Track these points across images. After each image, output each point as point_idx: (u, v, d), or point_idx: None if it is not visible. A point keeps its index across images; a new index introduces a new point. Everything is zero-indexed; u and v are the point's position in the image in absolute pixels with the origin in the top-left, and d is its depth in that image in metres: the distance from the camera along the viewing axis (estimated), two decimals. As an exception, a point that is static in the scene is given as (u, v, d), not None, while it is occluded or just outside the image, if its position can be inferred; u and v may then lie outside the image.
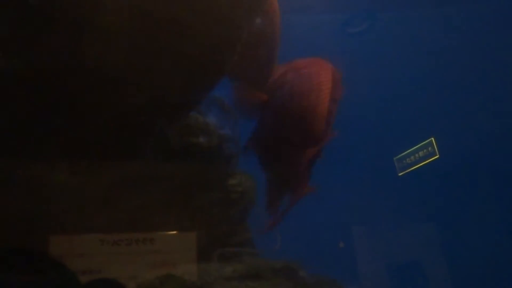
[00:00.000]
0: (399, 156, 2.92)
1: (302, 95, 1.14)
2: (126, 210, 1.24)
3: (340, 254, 2.85)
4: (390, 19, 3.05)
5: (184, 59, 0.91)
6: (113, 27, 0.86)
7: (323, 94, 1.13)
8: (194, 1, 0.81)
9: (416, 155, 2.84)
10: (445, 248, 3.12)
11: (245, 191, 1.35)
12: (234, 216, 1.37)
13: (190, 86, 1.00)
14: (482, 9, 3.06)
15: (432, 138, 2.77)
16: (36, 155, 1.04)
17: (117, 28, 0.86)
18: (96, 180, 1.12)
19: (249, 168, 1.44)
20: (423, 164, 2.83)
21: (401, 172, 2.90)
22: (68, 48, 0.91)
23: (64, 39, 0.89)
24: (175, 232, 1.24)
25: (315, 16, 2.60)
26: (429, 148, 2.77)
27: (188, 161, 1.28)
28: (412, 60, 3.08)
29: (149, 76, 0.93)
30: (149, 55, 0.89)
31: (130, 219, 1.25)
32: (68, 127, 1.05)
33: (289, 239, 1.42)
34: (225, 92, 1.34)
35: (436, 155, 2.75)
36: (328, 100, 1.12)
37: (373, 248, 3.08)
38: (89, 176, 1.09)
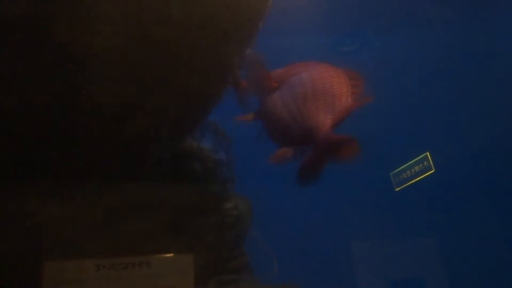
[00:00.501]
0: (395, 171, 2.93)
1: (324, 77, 1.16)
2: (123, 236, 1.24)
3: (339, 273, 2.83)
4: (384, 39, 3.11)
5: (177, 91, 0.92)
6: (110, 60, 0.88)
7: (344, 78, 1.15)
8: (186, 36, 0.83)
9: (412, 170, 2.84)
10: (446, 263, 3.10)
11: (241, 215, 1.35)
12: (231, 241, 1.37)
13: (184, 116, 1.01)
14: (473, 31, 3.12)
15: (427, 153, 2.78)
16: (29, 184, 1.04)
17: (113, 61, 0.88)
18: (91, 207, 1.12)
19: (244, 191, 1.45)
20: (420, 179, 2.84)
21: (398, 187, 2.90)
22: (64, 79, 0.92)
23: (60, 71, 0.91)
24: (171, 254, 1.23)
25: (309, 38, 2.64)
26: (425, 163, 2.78)
27: (183, 186, 1.29)
28: (405, 76, 3.12)
29: (144, 107, 0.94)
30: (145, 87, 0.90)
31: (127, 244, 1.24)
32: (63, 155, 1.06)
33: (286, 261, 1.41)
34: (219, 117, 1.35)
35: (432, 169, 2.76)
36: (349, 82, 1.15)
37: (373, 266, 3.06)
38: (84, 204, 1.09)
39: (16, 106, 0.90)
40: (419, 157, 2.80)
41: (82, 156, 1.06)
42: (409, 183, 2.86)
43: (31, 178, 0.99)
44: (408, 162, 2.86)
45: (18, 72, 0.89)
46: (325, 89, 1.15)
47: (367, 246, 3.21)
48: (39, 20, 0.78)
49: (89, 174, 1.12)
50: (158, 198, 1.29)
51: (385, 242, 3.19)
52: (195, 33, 0.83)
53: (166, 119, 0.97)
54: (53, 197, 0.99)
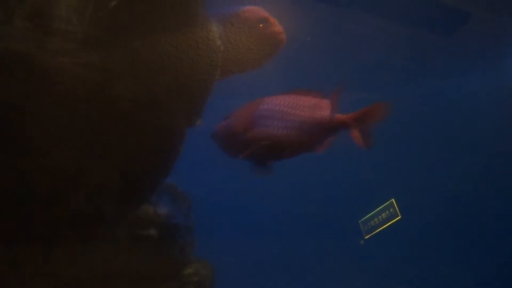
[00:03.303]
0: (364, 218, 2.94)
1: (283, 95, 1.27)
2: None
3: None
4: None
5: (125, 165, 0.91)
6: (55, 135, 0.87)
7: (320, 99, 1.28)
8: (142, 114, 0.84)
9: (380, 217, 2.87)
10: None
11: (201, 281, 1.30)
12: (191, 308, 1.30)
13: (133, 187, 1.00)
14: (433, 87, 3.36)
15: (393, 200, 2.83)
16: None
17: (63, 132, 0.87)
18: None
19: (205, 254, 1.40)
20: (388, 226, 2.85)
21: (367, 235, 2.90)
22: (14, 149, 0.90)
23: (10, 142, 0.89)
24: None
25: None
26: (391, 210, 2.82)
27: (140, 254, 1.24)
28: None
29: (88, 181, 0.92)
30: (89, 162, 0.89)
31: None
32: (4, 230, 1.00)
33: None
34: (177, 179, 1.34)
35: (398, 216, 2.79)
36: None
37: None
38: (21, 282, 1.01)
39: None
40: (385, 204, 2.84)
41: (25, 233, 1.00)
42: (378, 230, 2.87)
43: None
44: (375, 210, 2.89)
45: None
46: (294, 99, 1.27)
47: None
48: None
49: (29, 247, 1.06)
50: (113, 267, 1.22)
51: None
52: (144, 111, 0.84)
53: (110, 192, 0.95)
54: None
